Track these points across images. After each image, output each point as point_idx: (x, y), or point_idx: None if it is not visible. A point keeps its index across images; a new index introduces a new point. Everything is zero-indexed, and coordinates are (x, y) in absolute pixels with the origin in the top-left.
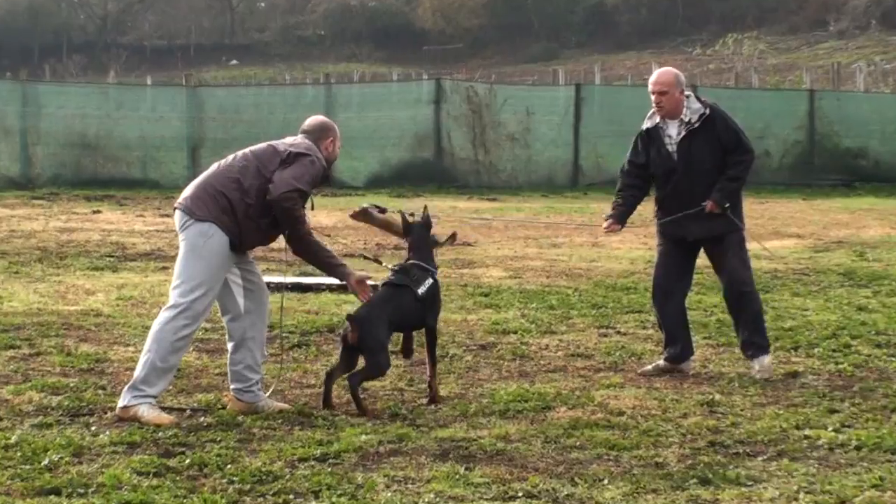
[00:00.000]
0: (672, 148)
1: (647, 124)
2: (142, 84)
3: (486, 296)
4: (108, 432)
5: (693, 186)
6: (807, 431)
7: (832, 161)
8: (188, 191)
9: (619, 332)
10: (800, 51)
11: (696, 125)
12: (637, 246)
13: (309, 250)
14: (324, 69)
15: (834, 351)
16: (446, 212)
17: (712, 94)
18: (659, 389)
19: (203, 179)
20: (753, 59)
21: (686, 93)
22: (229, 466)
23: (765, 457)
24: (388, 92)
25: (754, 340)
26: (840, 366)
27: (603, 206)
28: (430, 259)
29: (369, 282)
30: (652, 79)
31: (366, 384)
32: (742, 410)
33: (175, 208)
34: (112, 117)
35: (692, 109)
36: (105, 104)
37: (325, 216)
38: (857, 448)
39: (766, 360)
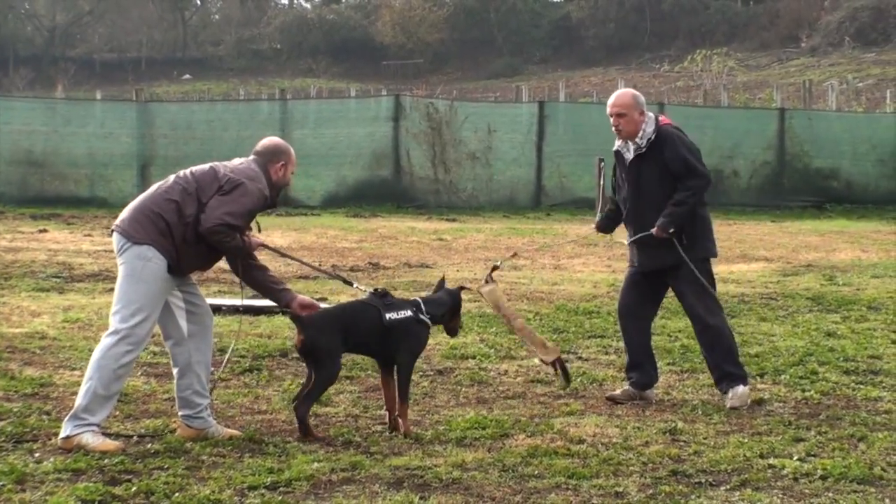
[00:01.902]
0: (628, 171)
1: (615, 145)
2: (91, 99)
3: None
4: (52, 459)
5: (643, 211)
6: (771, 460)
7: (802, 182)
8: (126, 213)
9: (580, 358)
10: (770, 68)
11: (644, 149)
12: (600, 269)
13: (249, 276)
14: (279, 84)
15: (801, 378)
16: (405, 232)
17: (680, 112)
18: (620, 417)
19: (141, 201)
20: (723, 76)
21: (648, 114)
22: (177, 495)
23: (728, 486)
24: (346, 108)
25: (728, 370)
26: (807, 393)
27: (566, 227)
28: (433, 308)
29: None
30: (610, 101)
31: (319, 410)
32: (705, 439)
33: (112, 230)
34: (59, 133)
35: (645, 133)
36: (52, 120)
37: (279, 236)
38: (823, 478)
39: (741, 389)
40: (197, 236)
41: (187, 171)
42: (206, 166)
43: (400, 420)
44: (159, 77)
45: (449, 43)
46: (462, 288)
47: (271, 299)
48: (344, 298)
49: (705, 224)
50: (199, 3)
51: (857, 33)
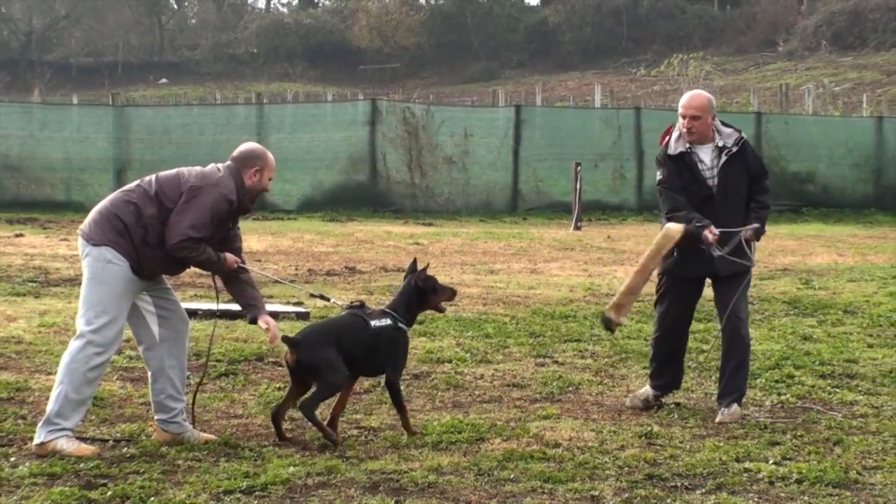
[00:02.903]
0: (708, 174)
1: (676, 148)
2: (67, 103)
3: (420, 323)
4: (27, 464)
5: (728, 214)
6: (747, 464)
7: (779, 186)
8: (89, 216)
9: (556, 362)
10: (747, 72)
11: (735, 150)
12: (577, 273)
13: (228, 285)
14: (256, 88)
15: (777, 382)
16: (381, 237)
17: (657, 117)
18: (596, 421)
19: (102, 204)
20: (699, 81)
21: (715, 118)
22: (153, 499)
23: (703, 490)
24: (322, 112)
25: (740, 388)
26: (783, 397)
27: (542, 231)
28: (403, 311)
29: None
30: (684, 102)
31: (294, 414)
32: (681, 442)
33: (78, 233)
34: (36, 137)
35: (725, 134)
36: (29, 124)
37: (255, 240)
38: (799, 481)
39: (735, 407)
40: (158, 241)
41: (153, 176)
42: (172, 171)
43: (406, 430)
44: (136, 81)
45: (425, 47)
46: (417, 272)
47: (243, 310)
48: (319, 303)
49: None
50: (175, 7)
51: (833, 37)
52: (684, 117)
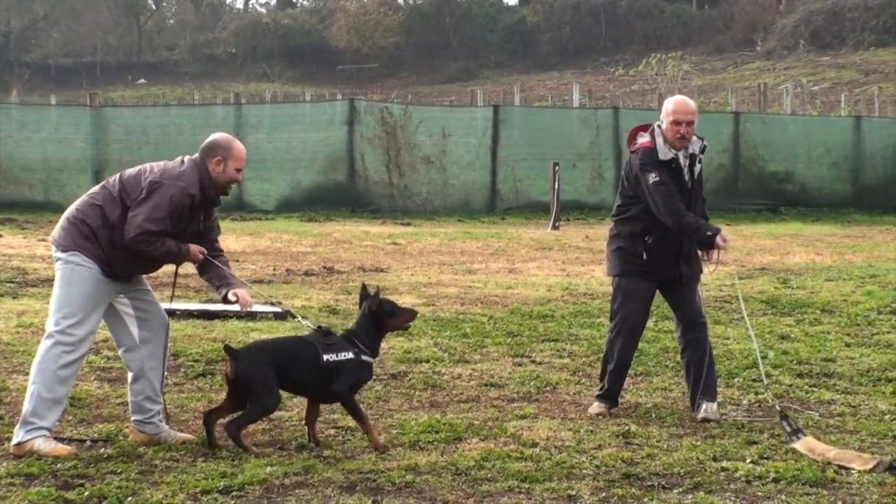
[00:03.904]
0: (687, 178)
1: (667, 154)
2: (45, 104)
3: None
4: (4, 464)
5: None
6: (724, 463)
7: (757, 185)
8: (59, 222)
9: (534, 362)
10: (726, 72)
11: (700, 156)
12: (555, 273)
13: (200, 269)
14: (234, 89)
15: (754, 381)
16: (360, 237)
17: (635, 116)
18: (574, 420)
19: (70, 209)
20: (678, 80)
21: None
22: (130, 499)
23: (680, 489)
24: (301, 113)
25: (715, 382)
26: (760, 396)
27: (521, 232)
28: (366, 339)
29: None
30: (679, 108)
31: (272, 414)
32: (658, 442)
33: (49, 242)
34: (14, 138)
35: (693, 141)
36: (7, 125)
37: (233, 241)
38: (776, 481)
39: (715, 406)
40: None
41: (117, 176)
42: (135, 169)
43: (370, 438)
44: (114, 82)
45: (404, 47)
46: (371, 298)
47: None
48: (297, 302)
49: None
50: (153, 7)
51: (811, 37)
52: (679, 123)
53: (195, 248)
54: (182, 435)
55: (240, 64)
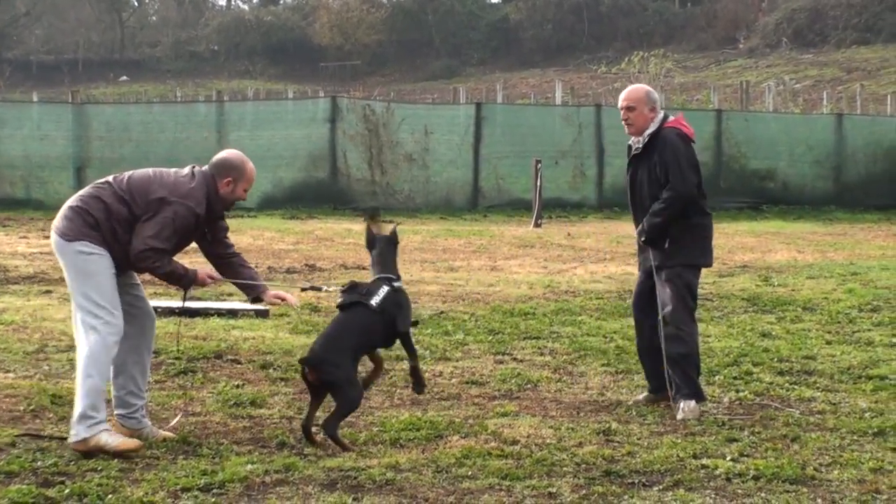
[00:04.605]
0: (627, 168)
1: (630, 140)
2: (27, 101)
3: None
4: None
5: (636, 211)
6: (704, 461)
7: (739, 183)
8: (61, 212)
9: (515, 359)
10: (708, 69)
11: (640, 149)
12: (536, 270)
13: (224, 269)
14: (217, 86)
15: (735, 378)
16: (342, 234)
17: (617, 114)
18: (555, 418)
19: (73, 199)
20: (660, 78)
21: (660, 113)
22: (110, 497)
23: (661, 487)
24: (283, 110)
25: (677, 385)
26: (741, 394)
27: (503, 229)
28: (390, 269)
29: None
30: (622, 94)
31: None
32: (639, 439)
33: (52, 229)
34: None
35: (648, 130)
36: None
37: None
38: (756, 478)
39: (693, 403)
40: (127, 238)
41: (126, 175)
42: (147, 173)
43: (416, 377)
44: (96, 79)
45: (386, 44)
46: (390, 229)
47: (244, 293)
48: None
49: (700, 232)
50: (136, 4)
51: (794, 34)
52: (621, 109)
53: (203, 274)
54: (163, 432)
55: (222, 61)
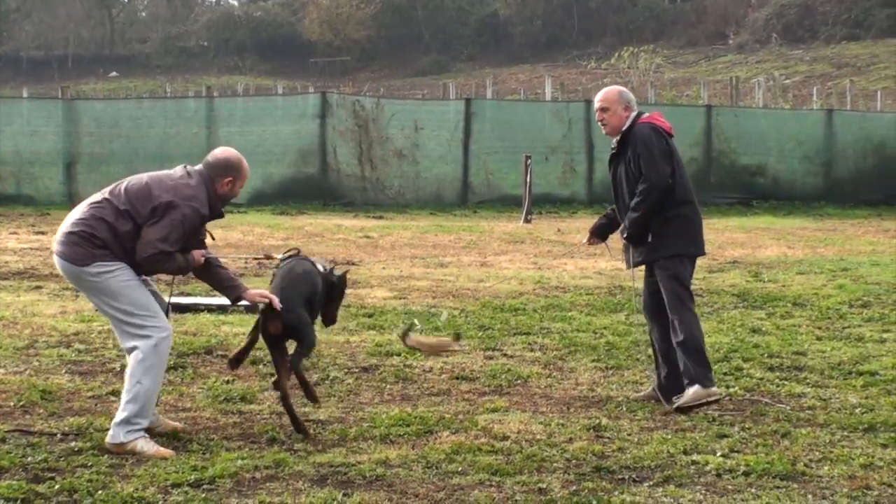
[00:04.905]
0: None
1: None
2: (17, 97)
3: (369, 317)
4: None
5: (620, 210)
6: (694, 457)
7: (729, 179)
8: (61, 235)
9: (505, 355)
10: (698, 65)
11: (616, 147)
12: (526, 266)
13: (202, 273)
14: (206, 82)
15: (725, 374)
16: (332, 230)
17: None
18: (545, 414)
19: (73, 222)
20: (650, 74)
21: (635, 111)
22: (100, 492)
23: (651, 483)
24: (273, 106)
25: (685, 371)
26: (731, 389)
27: (492, 225)
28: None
29: None
30: (596, 96)
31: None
32: (629, 435)
33: (56, 255)
34: None
35: (623, 129)
36: None
37: None
38: (746, 474)
39: (692, 390)
40: (135, 248)
41: (121, 187)
42: (142, 180)
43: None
44: (87, 75)
45: (376, 40)
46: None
47: (224, 295)
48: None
49: (684, 222)
50: (125, 0)
51: (784, 30)
52: (595, 111)
53: (197, 254)
54: (173, 424)
55: (212, 57)
